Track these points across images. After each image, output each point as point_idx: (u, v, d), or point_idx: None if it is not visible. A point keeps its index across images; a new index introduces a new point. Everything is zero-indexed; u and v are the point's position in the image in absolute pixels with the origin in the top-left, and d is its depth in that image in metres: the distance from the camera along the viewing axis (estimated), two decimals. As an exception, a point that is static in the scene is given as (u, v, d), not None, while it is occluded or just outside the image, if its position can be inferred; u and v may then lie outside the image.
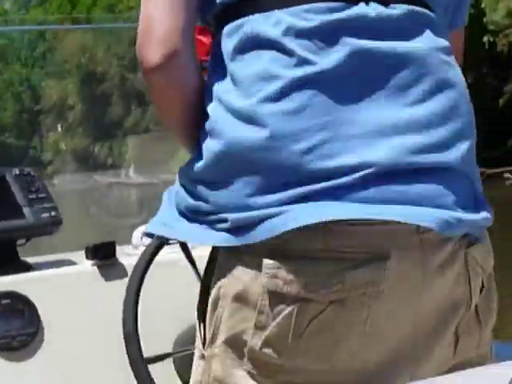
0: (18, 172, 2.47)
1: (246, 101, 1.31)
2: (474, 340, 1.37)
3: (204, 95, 1.39)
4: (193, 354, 1.51)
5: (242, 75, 1.33)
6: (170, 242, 1.96)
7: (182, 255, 2.07)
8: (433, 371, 1.31)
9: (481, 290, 1.38)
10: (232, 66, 1.34)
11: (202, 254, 1.86)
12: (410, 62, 1.37)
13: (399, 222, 1.27)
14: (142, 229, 2.49)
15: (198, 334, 1.43)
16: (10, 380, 2.26)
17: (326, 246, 1.27)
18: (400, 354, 1.31)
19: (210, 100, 1.37)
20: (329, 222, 1.25)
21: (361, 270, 1.27)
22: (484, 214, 1.37)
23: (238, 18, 1.38)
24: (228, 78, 1.35)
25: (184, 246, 1.95)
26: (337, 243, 1.27)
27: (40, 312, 2.28)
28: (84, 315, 2.33)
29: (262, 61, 1.33)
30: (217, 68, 1.39)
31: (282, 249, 1.29)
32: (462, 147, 1.36)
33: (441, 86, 1.37)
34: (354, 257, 1.27)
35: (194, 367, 1.44)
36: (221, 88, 1.35)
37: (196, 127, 1.41)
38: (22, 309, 2.27)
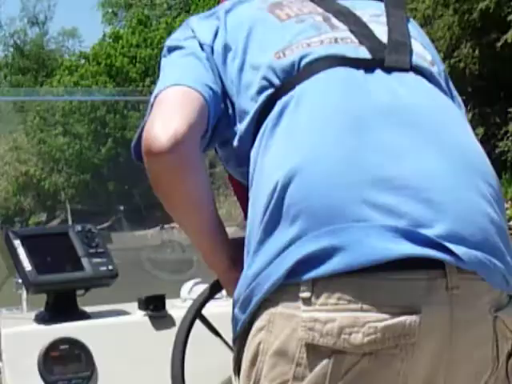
0: (79, 228, 2.48)
1: None
2: None
3: None
4: None
5: None
6: (216, 296, 1.91)
7: (227, 309, 2.01)
8: None
9: (510, 354, 1.34)
10: None
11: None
12: None
13: (429, 279, 1.26)
14: (189, 283, 2.48)
15: None
16: None
17: (361, 299, 1.25)
18: None
19: None
20: (364, 274, 1.23)
21: (393, 323, 1.24)
22: None
23: None
24: None
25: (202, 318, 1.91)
26: (371, 296, 1.25)
27: (95, 357, 2.26)
28: (135, 361, 2.30)
29: None
30: None
31: (315, 298, 1.27)
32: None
33: None
34: (387, 310, 1.25)
35: None
36: None
37: (205, 216, 1.45)
38: (78, 354, 2.25)
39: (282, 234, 1.30)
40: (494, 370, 1.32)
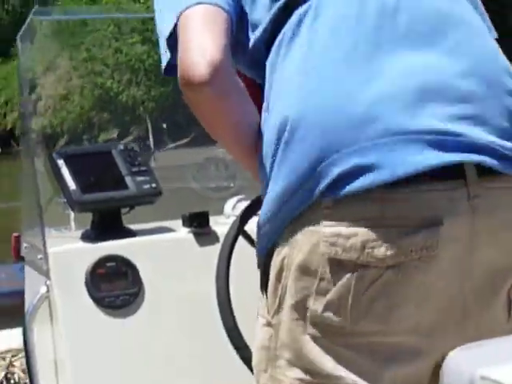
0: (122, 147, 2.48)
1: None
2: None
3: None
4: None
5: None
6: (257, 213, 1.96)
7: None
8: (484, 334, 1.27)
9: None
10: None
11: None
12: None
13: (450, 189, 1.27)
14: (233, 200, 2.49)
15: (261, 303, 1.44)
16: (114, 334, 2.26)
17: (383, 214, 1.26)
18: (450, 314, 1.29)
19: None
20: (383, 188, 1.25)
21: (416, 235, 1.25)
22: None
23: None
24: None
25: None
26: (392, 210, 1.26)
27: (141, 274, 2.29)
28: (180, 277, 2.33)
29: None
30: None
31: (338, 215, 1.28)
32: None
33: None
34: (409, 223, 1.26)
35: (260, 334, 1.44)
36: None
37: (252, 141, 1.41)
38: (125, 271, 2.29)
39: (302, 156, 1.30)
40: None
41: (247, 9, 1.42)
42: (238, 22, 1.42)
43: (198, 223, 2.40)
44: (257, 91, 1.45)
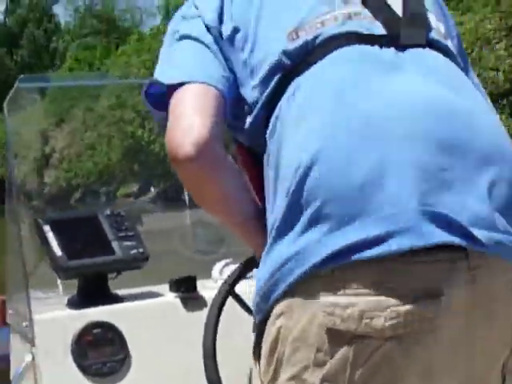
0: (109, 212, 2.51)
1: None
2: None
3: None
4: None
5: None
6: (247, 276, 1.93)
7: None
8: None
9: None
10: None
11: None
12: None
13: (451, 260, 1.26)
14: (220, 264, 2.50)
15: (255, 371, 1.43)
16: None
17: (382, 283, 1.25)
18: None
19: None
20: (385, 259, 1.24)
21: (416, 305, 1.24)
22: None
23: None
24: None
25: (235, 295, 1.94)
26: (393, 280, 1.25)
27: (128, 340, 2.29)
28: (168, 343, 2.32)
29: None
30: None
31: (337, 284, 1.27)
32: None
33: None
34: (410, 293, 1.24)
35: None
36: None
37: (241, 211, 1.45)
38: (112, 337, 2.28)
39: (307, 225, 1.30)
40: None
41: (244, 81, 1.46)
42: (235, 99, 1.46)
43: (186, 288, 2.40)
44: (252, 159, 1.50)
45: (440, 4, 1.57)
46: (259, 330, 1.39)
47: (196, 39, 1.49)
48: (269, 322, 1.35)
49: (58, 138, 33.83)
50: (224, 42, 1.47)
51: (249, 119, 1.46)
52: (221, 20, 1.48)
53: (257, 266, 1.84)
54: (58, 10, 59.16)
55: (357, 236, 1.25)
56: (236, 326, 1.99)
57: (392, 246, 1.24)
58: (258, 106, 1.44)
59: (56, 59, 53.70)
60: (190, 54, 1.48)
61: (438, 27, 1.49)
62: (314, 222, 1.29)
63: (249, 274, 1.92)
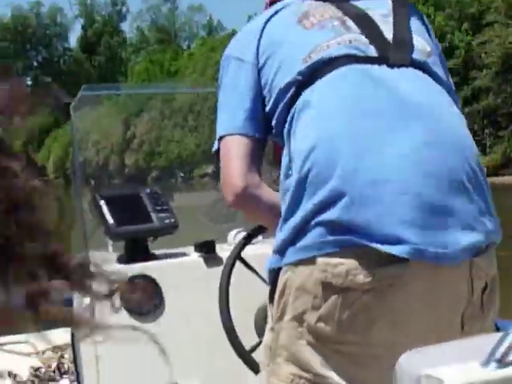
0: (149, 191, 2.54)
1: None
2: (478, 324, 1.36)
3: None
4: None
5: None
6: (252, 242, 2.00)
7: (261, 251, 2.06)
8: None
9: (484, 288, 1.37)
10: None
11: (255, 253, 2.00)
12: None
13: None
14: (234, 232, 2.53)
15: (269, 312, 1.46)
16: (143, 338, 2.27)
17: (365, 251, 1.29)
18: (420, 339, 1.22)
19: None
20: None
21: (388, 267, 1.28)
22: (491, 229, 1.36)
23: None
24: None
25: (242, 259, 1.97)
26: (375, 250, 1.29)
27: (162, 289, 2.34)
28: (192, 291, 2.34)
29: None
30: None
31: (332, 251, 1.32)
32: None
33: None
34: (385, 258, 1.28)
35: (266, 336, 1.47)
36: None
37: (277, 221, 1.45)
38: (150, 286, 2.31)
39: (313, 201, 1.33)
40: (469, 302, 1.36)
41: (270, 96, 1.50)
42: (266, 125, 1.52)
43: (207, 249, 2.44)
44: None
45: (426, 25, 1.60)
46: (273, 280, 1.43)
47: (234, 80, 1.54)
48: (280, 274, 1.39)
49: (137, 125, 31.48)
50: (258, 73, 1.51)
51: (273, 121, 1.50)
52: (256, 57, 1.52)
53: (258, 235, 1.94)
54: (124, 26, 58.70)
55: (343, 219, 1.30)
56: (243, 280, 2.00)
57: (392, 250, 1.27)
58: (279, 111, 1.47)
59: (123, 65, 52.49)
60: (230, 102, 1.54)
61: (424, 47, 1.50)
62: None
63: (253, 241, 1.99)
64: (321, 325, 1.33)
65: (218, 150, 1.54)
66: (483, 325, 1.37)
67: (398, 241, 1.27)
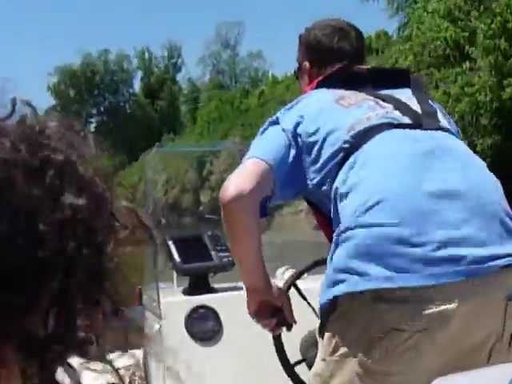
0: (210, 233, 2.59)
1: None
2: (503, 357, 1.33)
3: None
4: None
5: None
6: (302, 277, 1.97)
7: (312, 285, 1.93)
8: None
9: None
10: None
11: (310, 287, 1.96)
12: None
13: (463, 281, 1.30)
14: (282, 269, 2.49)
15: (320, 345, 1.45)
16: (203, 358, 2.27)
17: (415, 297, 1.29)
18: (454, 366, 1.27)
19: None
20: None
21: (437, 309, 1.28)
22: None
23: None
24: None
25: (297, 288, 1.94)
26: (426, 295, 1.29)
27: (221, 318, 2.37)
28: (247, 321, 2.13)
29: None
30: None
31: (385, 297, 1.30)
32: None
33: None
34: (432, 303, 1.28)
35: (317, 365, 1.45)
36: None
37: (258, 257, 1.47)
38: (210, 315, 2.35)
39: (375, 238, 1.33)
40: (499, 338, 1.34)
41: (315, 164, 1.49)
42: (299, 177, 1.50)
43: None
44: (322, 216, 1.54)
45: (440, 107, 1.65)
46: (325, 315, 1.41)
47: (271, 133, 1.55)
48: (336, 313, 1.37)
49: (214, 162, 30.58)
50: (299, 138, 1.51)
51: (323, 181, 1.47)
52: (295, 127, 1.52)
53: (306, 271, 1.91)
54: (179, 77, 57.48)
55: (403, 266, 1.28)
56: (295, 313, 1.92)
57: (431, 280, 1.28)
58: (327, 170, 1.45)
59: (181, 114, 51.49)
60: (262, 143, 1.55)
61: (444, 121, 1.59)
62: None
63: (303, 277, 1.96)
64: (371, 360, 1.32)
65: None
66: (508, 358, 1.35)
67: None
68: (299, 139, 1.53)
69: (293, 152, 1.52)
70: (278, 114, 1.60)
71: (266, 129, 1.60)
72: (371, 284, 1.31)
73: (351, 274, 1.33)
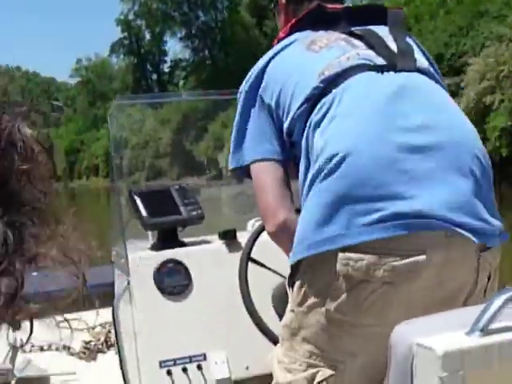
0: (177, 187, 2.53)
1: None
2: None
3: None
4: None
5: None
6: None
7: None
8: None
9: (488, 278, 1.38)
10: None
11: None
12: None
13: (435, 230, 1.29)
14: (252, 221, 2.52)
15: (289, 294, 1.45)
16: (173, 313, 2.29)
17: (386, 246, 1.30)
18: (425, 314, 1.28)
19: None
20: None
21: (405, 261, 1.28)
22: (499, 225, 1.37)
23: None
24: None
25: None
26: (395, 245, 1.30)
27: (191, 271, 2.36)
28: (216, 274, 2.35)
29: None
30: None
31: (352, 248, 1.31)
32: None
33: None
34: (403, 254, 1.29)
35: (286, 316, 1.47)
36: None
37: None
38: (179, 269, 2.35)
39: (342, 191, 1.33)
40: (472, 290, 1.37)
41: (290, 109, 1.48)
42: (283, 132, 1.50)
43: (229, 237, 2.44)
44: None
45: (421, 47, 1.62)
46: (293, 268, 1.43)
47: (252, 110, 1.53)
48: (302, 264, 1.38)
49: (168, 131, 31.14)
50: (274, 103, 1.51)
51: (295, 132, 1.48)
52: (268, 91, 1.52)
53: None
54: None
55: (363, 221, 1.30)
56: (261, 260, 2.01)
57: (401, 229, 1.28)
58: (300, 119, 1.45)
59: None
60: (252, 129, 1.53)
61: (422, 61, 1.54)
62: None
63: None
64: (338, 312, 1.33)
65: (237, 169, 1.55)
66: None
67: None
68: (273, 107, 1.50)
69: (276, 124, 1.51)
70: (245, 87, 1.57)
71: (242, 106, 1.55)
72: (335, 245, 1.31)
73: (319, 232, 1.33)
